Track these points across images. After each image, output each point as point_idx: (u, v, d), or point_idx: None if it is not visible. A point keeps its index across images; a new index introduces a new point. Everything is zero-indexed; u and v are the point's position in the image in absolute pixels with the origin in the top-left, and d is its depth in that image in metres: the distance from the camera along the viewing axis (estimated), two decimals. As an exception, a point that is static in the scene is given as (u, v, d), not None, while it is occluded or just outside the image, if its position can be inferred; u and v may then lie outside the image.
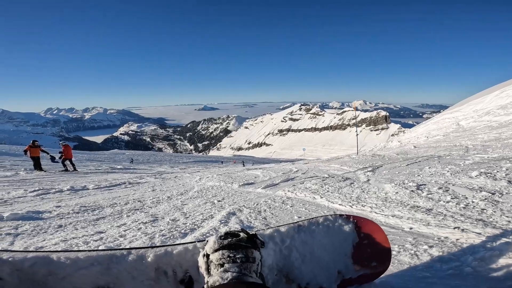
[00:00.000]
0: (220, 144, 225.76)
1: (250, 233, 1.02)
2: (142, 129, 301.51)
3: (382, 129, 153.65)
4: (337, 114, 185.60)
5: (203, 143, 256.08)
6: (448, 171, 4.59)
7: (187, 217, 2.85)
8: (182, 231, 2.33)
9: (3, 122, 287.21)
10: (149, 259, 0.98)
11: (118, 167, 16.34)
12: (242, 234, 0.98)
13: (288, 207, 3.35)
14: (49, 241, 2.02)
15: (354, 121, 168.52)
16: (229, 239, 0.93)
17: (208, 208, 3.39)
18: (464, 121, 19.38)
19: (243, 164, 31.55)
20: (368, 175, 5.38)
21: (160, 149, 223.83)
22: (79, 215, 3.06)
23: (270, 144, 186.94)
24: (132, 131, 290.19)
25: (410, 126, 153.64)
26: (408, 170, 5.76)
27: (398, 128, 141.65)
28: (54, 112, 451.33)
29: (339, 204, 3.26)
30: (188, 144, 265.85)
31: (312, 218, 1.29)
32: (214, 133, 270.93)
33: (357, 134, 15.16)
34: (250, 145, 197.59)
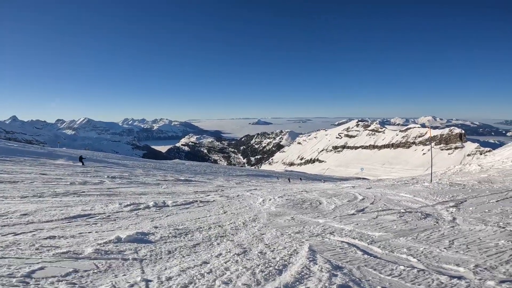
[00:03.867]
0: (272, 159, 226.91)
1: None
2: (201, 141, 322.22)
3: (456, 148, 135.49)
4: (400, 131, 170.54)
5: (256, 157, 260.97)
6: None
7: (273, 250, 3.05)
8: (276, 266, 2.52)
9: (88, 130, 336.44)
10: None
11: (182, 178, 17.82)
12: None
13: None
14: (171, 270, 2.41)
15: (420, 139, 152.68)
16: None
17: (287, 240, 3.54)
18: None
19: (300, 179, 31.38)
20: (452, 212, 4.91)
21: (215, 161, 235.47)
22: (177, 240, 3.51)
23: (323, 161, 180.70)
24: (192, 142, 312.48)
25: (491, 145, 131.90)
26: (499, 208, 5.09)
27: (476, 148, 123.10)
28: (130, 122, 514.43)
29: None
30: (241, 157, 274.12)
31: None
32: (267, 148, 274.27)
33: (431, 158, 13.75)
34: (303, 161, 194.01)
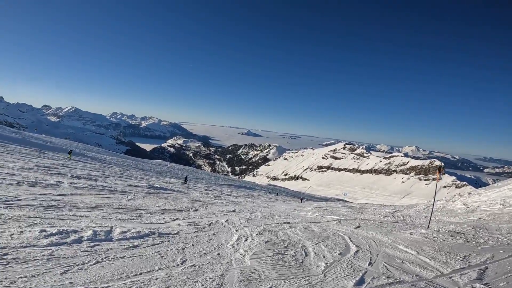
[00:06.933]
0: (257, 171, 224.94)
1: None
2: (188, 144, 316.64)
3: (434, 179, 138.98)
4: (384, 158, 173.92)
5: (241, 167, 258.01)
6: None
7: None
8: None
9: (74, 119, 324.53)
10: None
11: (156, 185, 16.12)
12: None
13: None
14: None
15: (401, 168, 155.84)
16: None
17: None
18: (550, 192, 15.58)
19: (301, 200, 29.89)
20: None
21: (199, 166, 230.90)
22: None
23: (306, 179, 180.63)
24: (178, 144, 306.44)
25: (467, 179, 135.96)
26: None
27: (452, 181, 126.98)
28: (118, 117, 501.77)
29: None
30: (226, 165, 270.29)
31: None
32: (253, 159, 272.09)
33: (433, 202, 12.67)
34: (286, 176, 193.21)
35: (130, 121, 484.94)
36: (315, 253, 5.61)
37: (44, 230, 4.49)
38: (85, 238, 4.56)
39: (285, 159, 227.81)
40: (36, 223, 4.93)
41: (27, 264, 3.29)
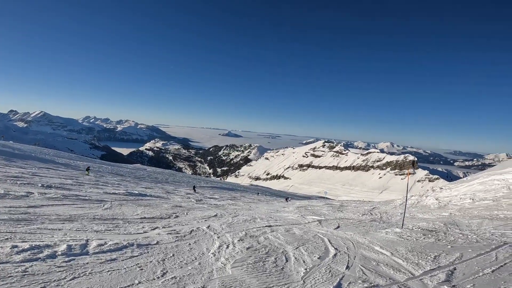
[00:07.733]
0: (238, 172, 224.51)
1: None
2: (167, 147, 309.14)
3: (408, 174, 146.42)
4: (361, 154, 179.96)
5: (222, 168, 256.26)
6: None
7: None
8: None
9: (43, 124, 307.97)
10: None
11: (135, 192, 15.69)
12: None
13: None
14: None
15: (378, 163, 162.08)
16: None
17: None
18: (516, 186, 16.76)
19: (287, 200, 30.08)
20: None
21: (180, 169, 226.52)
22: None
23: (288, 178, 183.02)
24: (157, 148, 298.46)
25: (439, 173, 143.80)
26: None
27: (426, 175, 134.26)
28: (91, 121, 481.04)
29: None
30: (207, 167, 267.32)
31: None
32: (235, 160, 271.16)
33: (406, 201, 13.29)
34: (268, 176, 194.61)
35: (105, 125, 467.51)
36: (295, 258, 5.74)
37: (16, 246, 4.30)
38: (59, 253, 4.40)
39: (267, 158, 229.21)
40: (7, 238, 4.71)
41: (2, 281, 3.18)
